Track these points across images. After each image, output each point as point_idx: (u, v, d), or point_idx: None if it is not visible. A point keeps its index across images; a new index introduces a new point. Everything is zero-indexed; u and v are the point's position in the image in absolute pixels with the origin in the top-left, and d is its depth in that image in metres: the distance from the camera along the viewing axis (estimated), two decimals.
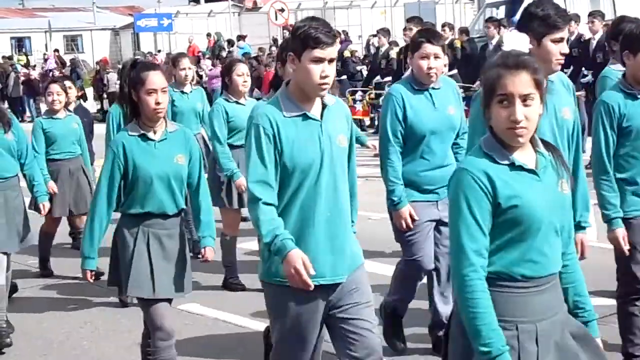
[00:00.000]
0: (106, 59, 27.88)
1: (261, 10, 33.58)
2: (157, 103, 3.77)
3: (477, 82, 10.65)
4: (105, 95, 24.99)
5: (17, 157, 5.28)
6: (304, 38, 3.02)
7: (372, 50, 17.19)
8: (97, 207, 3.85)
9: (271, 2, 24.38)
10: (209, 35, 28.78)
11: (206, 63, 21.90)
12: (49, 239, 6.74)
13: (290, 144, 3.04)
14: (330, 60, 3.04)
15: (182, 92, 6.97)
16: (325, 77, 3.03)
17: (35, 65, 29.37)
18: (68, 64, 27.99)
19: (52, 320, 5.66)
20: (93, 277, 3.97)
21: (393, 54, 13.61)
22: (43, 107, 25.32)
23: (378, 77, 14.60)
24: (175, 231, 3.95)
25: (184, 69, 6.94)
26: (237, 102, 5.83)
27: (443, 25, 14.59)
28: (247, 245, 6.76)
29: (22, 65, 27.65)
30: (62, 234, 7.25)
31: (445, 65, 4.55)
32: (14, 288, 5.89)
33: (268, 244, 2.99)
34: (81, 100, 27.82)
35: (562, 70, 3.73)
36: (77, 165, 6.69)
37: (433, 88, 4.32)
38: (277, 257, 3.00)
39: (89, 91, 26.38)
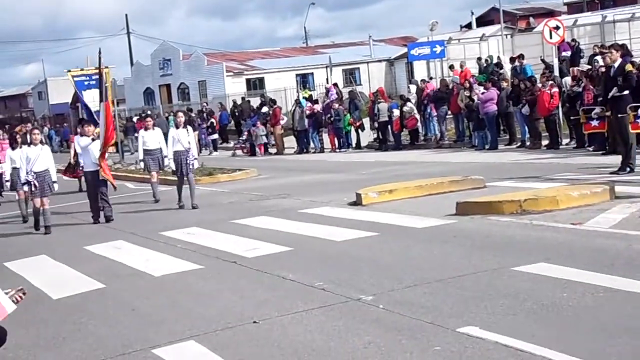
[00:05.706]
0: (382, 89, 28.91)
1: (535, 31, 32.75)
2: None
3: None
4: (376, 125, 25.96)
5: None
6: None
7: None
8: None
9: (545, 21, 23.70)
10: (479, 59, 28.71)
11: (479, 88, 21.82)
12: None
13: None
14: None
15: None
16: None
17: (317, 100, 31.26)
18: (346, 95, 29.40)
19: (338, 340, 5.98)
20: None
21: None
22: (326, 138, 26.93)
23: None
24: None
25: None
26: None
27: None
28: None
29: (306, 100, 29.59)
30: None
31: None
32: None
33: None
34: (359, 130, 28.85)
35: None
36: None
37: None
38: None
39: (366, 121, 27.53)
